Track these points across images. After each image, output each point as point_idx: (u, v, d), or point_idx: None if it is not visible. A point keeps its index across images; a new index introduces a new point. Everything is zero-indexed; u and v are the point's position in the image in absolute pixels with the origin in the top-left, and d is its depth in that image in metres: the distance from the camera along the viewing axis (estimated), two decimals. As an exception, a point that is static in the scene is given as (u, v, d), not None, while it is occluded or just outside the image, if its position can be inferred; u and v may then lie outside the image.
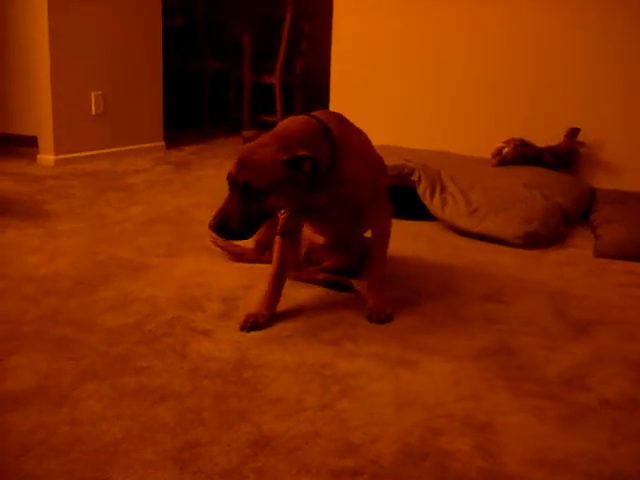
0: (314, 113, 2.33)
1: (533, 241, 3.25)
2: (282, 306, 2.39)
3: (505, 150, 4.00)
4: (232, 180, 2.07)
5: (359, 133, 2.42)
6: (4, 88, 5.15)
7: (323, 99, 4.97)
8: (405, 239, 3.30)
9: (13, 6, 4.93)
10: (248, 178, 2.03)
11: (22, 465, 1.48)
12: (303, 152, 2.05)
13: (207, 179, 4.48)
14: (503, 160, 3.99)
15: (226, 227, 2.04)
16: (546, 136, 4.04)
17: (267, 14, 6.62)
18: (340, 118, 2.36)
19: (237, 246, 2.86)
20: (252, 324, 2.23)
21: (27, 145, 5.00)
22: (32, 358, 1.97)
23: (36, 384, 1.82)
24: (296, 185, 2.09)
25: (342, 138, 2.26)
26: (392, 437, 1.65)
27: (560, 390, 1.91)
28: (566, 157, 4.02)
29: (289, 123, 2.23)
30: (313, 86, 6.45)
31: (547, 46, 4.17)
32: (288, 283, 2.42)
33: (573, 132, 4.02)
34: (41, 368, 1.91)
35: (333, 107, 4.82)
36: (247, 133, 2.27)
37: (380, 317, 2.34)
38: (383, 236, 2.48)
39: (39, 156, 4.81)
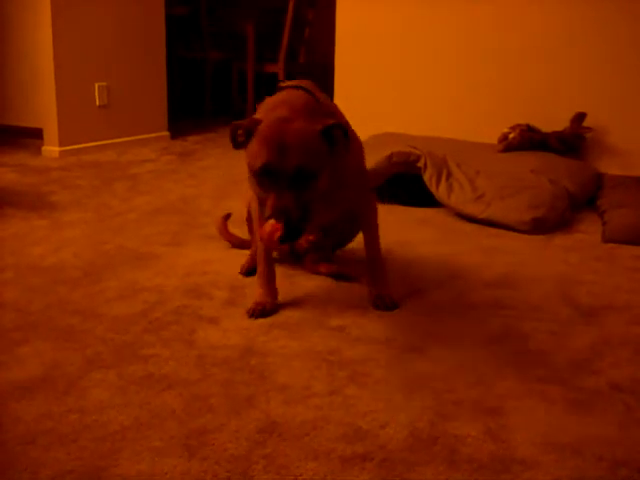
0: (287, 83, 2.15)
1: (540, 226, 3.24)
2: (289, 294, 2.38)
3: (511, 136, 3.98)
4: (276, 169, 1.78)
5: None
6: (8, 80, 5.14)
7: (327, 87, 4.94)
8: (411, 226, 3.29)
9: (15, -3, 4.93)
10: (300, 162, 1.77)
11: (29, 453, 1.48)
12: (332, 120, 1.86)
13: (212, 169, 4.47)
14: (509, 146, 3.97)
15: (294, 228, 1.76)
16: (552, 121, 4.02)
17: (269, 2, 6.59)
18: (315, 88, 2.18)
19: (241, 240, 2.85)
20: (260, 311, 2.21)
21: (32, 137, 5.00)
22: (39, 347, 1.96)
23: (43, 373, 1.82)
24: (332, 159, 1.89)
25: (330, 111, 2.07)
26: (401, 423, 1.64)
27: (569, 375, 1.90)
28: (572, 142, 4.00)
29: (288, 96, 1.98)
30: (317, 74, 6.42)
31: (553, 30, 4.14)
32: (295, 272, 2.41)
33: (579, 117, 3.99)
34: (48, 357, 1.91)
35: (337, 95, 4.81)
36: (239, 122, 1.94)
37: (386, 304, 2.31)
38: (372, 227, 2.35)
39: (44, 148, 4.81)
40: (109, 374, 1.83)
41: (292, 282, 2.38)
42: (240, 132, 1.91)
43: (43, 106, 4.77)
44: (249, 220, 2.57)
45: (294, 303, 2.34)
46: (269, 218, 1.76)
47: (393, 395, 1.77)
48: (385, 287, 2.36)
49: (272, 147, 1.77)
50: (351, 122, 2.51)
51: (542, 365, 1.95)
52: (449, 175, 3.57)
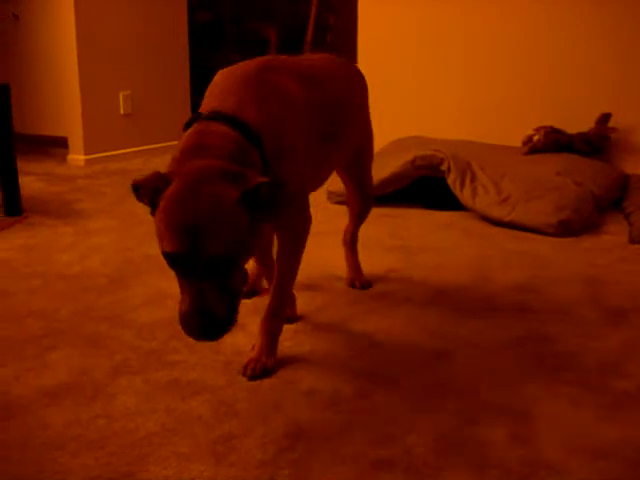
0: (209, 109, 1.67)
1: (566, 229, 3.21)
2: (313, 300, 2.38)
3: (536, 138, 3.95)
4: (188, 259, 1.42)
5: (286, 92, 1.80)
6: (33, 90, 5.20)
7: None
8: (436, 229, 3.28)
9: (40, 8, 4.98)
10: (216, 251, 1.41)
11: (58, 459, 1.49)
12: (257, 178, 1.46)
13: (236, 175, 4.48)
14: (534, 148, 3.94)
15: (218, 327, 1.48)
16: (577, 122, 3.99)
17: (292, 8, 6.61)
18: (257, 85, 1.72)
19: None
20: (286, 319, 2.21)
21: (57, 146, 5.06)
22: (67, 354, 1.98)
23: (71, 379, 1.84)
24: (259, 223, 1.53)
25: (266, 127, 1.66)
26: (427, 427, 1.63)
27: (597, 378, 1.88)
28: (597, 143, 3.96)
29: (200, 139, 1.55)
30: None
31: (576, 31, 4.11)
32: (317, 279, 2.41)
33: (604, 118, 3.96)
34: (76, 364, 1.92)
35: (360, 100, 4.80)
36: (140, 181, 1.49)
37: (255, 372, 1.85)
38: (294, 251, 1.95)
39: (69, 156, 4.86)
40: (136, 380, 1.84)
41: (315, 289, 2.38)
42: (143, 193, 1.49)
43: (68, 115, 4.82)
44: None
45: (318, 309, 2.34)
46: (184, 317, 1.45)
47: (419, 399, 1.76)
48: (264, 350, 1.91)
49: (180, 233, 1.40)
50: (374, 126, 2.51)
51: (570, 368, 1.93)
52: (473, 178, 3.55)
